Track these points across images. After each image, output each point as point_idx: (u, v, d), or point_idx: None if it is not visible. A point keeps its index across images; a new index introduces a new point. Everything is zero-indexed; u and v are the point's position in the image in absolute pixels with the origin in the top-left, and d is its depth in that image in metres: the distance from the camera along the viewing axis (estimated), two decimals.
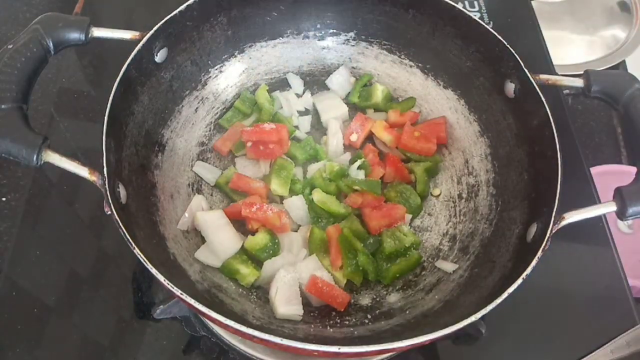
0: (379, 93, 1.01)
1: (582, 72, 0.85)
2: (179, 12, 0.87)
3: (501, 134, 0.92)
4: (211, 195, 0.92)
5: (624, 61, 1.52)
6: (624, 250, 0.97)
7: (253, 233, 0.86)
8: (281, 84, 1.03)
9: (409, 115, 0.99)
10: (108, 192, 0.70)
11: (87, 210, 0.95)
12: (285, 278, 0.81)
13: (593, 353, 0.84)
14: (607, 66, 1.49)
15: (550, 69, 1.17)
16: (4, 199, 1.05)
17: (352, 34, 1.03)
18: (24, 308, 0.86)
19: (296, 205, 0.89)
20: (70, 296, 0.88)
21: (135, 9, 1.24)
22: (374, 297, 0.84)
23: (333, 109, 1.00)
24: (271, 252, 0.84)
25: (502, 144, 0.91)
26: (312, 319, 0.81)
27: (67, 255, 0.91)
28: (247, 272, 0.82)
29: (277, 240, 0.85)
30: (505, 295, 0.67)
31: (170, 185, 0.89)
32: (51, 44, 0.78)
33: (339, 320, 0.81)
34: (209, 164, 0.95)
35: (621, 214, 0.73)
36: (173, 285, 0.66)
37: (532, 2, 1.31)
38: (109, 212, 0.69)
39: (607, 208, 0.74)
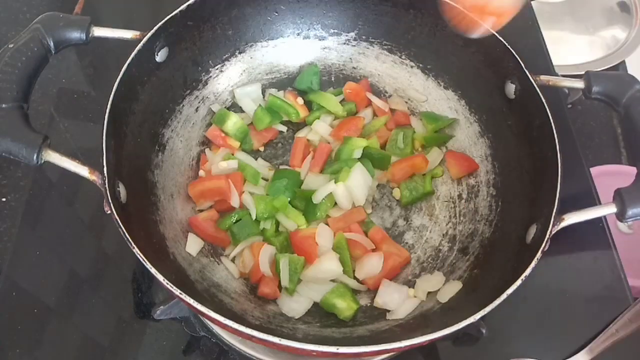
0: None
1: (582, 73, 0.85)
2: (180, 11, 0.87)
3: (501, 134, 0.92)
4: None
5: (624, 61, 1.52)
6: (624, 250, 0.97)
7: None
8: (281, 84, 1.03)
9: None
10: (108, 192, 0.70)
11: (87, 210, 0.95)
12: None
13: (599, 336, 0.85)
14: (607, 66, 1.49)
15: (550, 69, 1.16)
16: (4, 199, 1.05)
17: (353, 34, 1.03)
18: (24, 308, 0.85)
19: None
20: (70, 296, 0.88)
21: (135, 8, 1.24)
22: (373, 296, 0.84)
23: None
24: None
25: (503, 144, 0.91)
26: (311, 318, 0.81)
27: (67, 255, 0.91)
28: (344, 307, 0.80)
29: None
30: (504, 296, 0.67)
31: (170, 185, 0.89)
32: (52, 43, 0.78)
33: (337, 320, 0.81)
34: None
35: (621, 216, 0.73)
36: (172, 285, 0.66)
37: (532, 2, 1.31)
38: (109, 212, 0.69)
39: (607, 209, 0.74)
